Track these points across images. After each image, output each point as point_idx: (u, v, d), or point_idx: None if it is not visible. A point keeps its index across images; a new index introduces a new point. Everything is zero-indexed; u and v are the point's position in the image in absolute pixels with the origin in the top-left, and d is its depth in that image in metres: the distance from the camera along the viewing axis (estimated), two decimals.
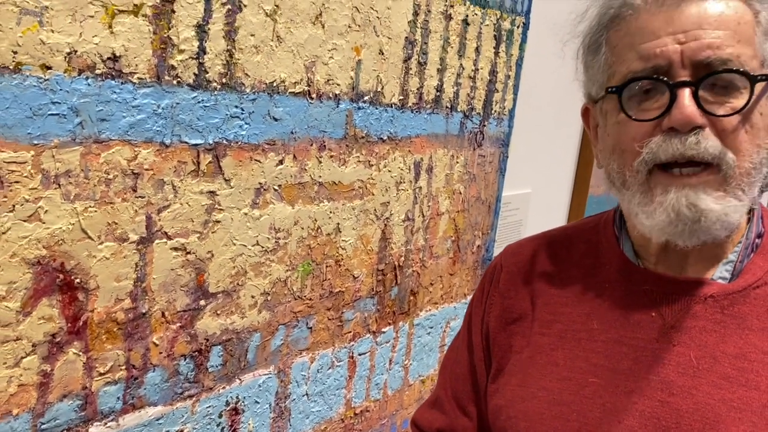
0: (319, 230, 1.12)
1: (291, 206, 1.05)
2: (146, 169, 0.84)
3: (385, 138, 1.20)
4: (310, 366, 1.17)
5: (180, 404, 0.96)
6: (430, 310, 1.46)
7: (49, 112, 0.74)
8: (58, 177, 0.76)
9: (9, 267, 0.73)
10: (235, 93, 0.92)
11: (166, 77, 0.84)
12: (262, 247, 1.02)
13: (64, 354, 0.81)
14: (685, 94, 0.66)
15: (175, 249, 0.90)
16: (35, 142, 0.73)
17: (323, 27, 1.03)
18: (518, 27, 1.51)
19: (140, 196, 0.84)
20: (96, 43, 0.76)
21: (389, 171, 1.23)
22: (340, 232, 1.16)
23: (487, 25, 1.40)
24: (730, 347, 0.69)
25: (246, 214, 0.99)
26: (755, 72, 0.66)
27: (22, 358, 0.77)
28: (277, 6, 0.95)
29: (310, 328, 1.15)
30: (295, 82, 1.01)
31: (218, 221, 0.95)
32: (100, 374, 0.85)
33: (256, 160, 0.98)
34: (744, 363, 0.69)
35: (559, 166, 2.01)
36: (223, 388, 1.02)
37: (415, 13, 1.20)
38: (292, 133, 1.02)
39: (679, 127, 0.66)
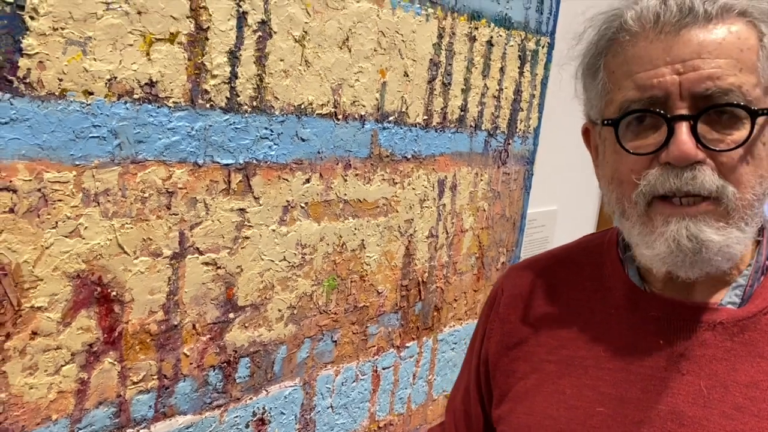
0: (344, 246, 1.15)
1: (317, 223, 1.09)
2: (180, 188, 0.89)
3: (409, 156, 1.23)
4: (334, 379, 1.20)
5: (209, 414, 0.99)
6: (454, 326, 1.48)
7: (91, 135, 0.79)
8: (98, 195, 0.81)
9: (51, 280, 0.78)
10: (265, 115, 0.97)
11: (200, 101, 0.88)
12: (289, 262, 1.06)
13: (101, 363, 0.85)
14: (683, 128, 0.64)
15: (206, 264, 0.94)
16: (77, 162, 0.78)
17: (350, 51, 1.06)
18: (543, 47, 1.53)
19: (174, 214, 0.89)
20: (134, 70, 0.81)
21: (413, 189, 1.26)
22: (365, 248, 1.19)
23: (512, 45, 1.43)
24: (741, 376, 0.68)
25: (274, 230, 1.02)
26: (758, 102, 0.64)
27: (62, 366, 0.81)
28: (305, 32, 0.99)
29: (335, 341, 1.18)
30: (322, 104, 1.05)
31: (247, 237, 0.99)
32: (134, 383, 0.89)
33: (284, 178, 1.02)
34: (756, 392, 0.67)
35: (585, 183, 2.02)
36: (251, 398, 1.05)
37: (440, 36, 1.23)
38: (318, 152, 1.06)
39: (676, 164, 0.64)
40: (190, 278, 0.93)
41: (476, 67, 1.34)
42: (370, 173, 1.16)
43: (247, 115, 0.94)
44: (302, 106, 1.02)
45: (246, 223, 0.98)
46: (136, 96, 0.82)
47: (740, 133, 0.64)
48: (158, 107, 0.84)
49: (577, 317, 0.78)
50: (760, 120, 0.64)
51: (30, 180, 0.74)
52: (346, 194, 1.12)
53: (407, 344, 1.35)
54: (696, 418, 0.68)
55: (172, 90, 0.85)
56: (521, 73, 1.48)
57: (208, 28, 0.87)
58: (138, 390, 0.90)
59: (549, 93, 1.61)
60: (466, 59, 1.31)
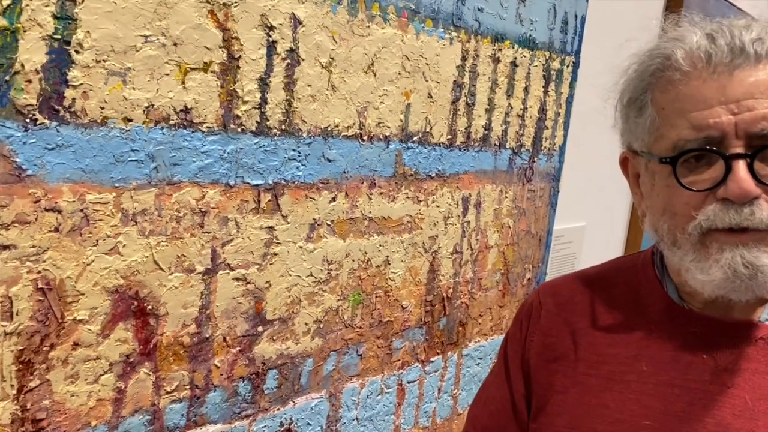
0: (369, 262, 1.19)
1: (343, 240, 1.13)
2: (212, 208, 0.94)
3: (433, 175, 1.27)
4: (360, 391, 1.23)
5: (238, 423, 1.04)
6: (479, 341, 1.50)
7: (129, 159, 0.84)
8: (135, 215, 0.86)
9: (92, 294, 0.84)
10: (293, 138, 1.01)
11: (232, 125, 0.93)
12: (316, 277, 1.10)
13: (136, 373, 0.90)
14: (741, 166, 0.67)
15: (237, 279, 0.99)
16: (116, 185, 0.84)
17: (375, 75, 1.11)
18: (568, 66, 1.56)
19: (206, 232, 0.94)
20: (170, 98, 0.86)
21: (437, 206, 1.30)
22: (389, 264, 1.23)
23: (536, 65, 1.45)
24: None
25: (301, 247, 1.07)
26: None
27: (101, 375, 0.86)
28: (332, 58, 1.03)
29: (360, 355, 1.22)
30: (348, 126, 1.09)
31: (276, 254, 1.03)
32: (167, 392, 0.94)
33: (311, 197, 1.06)
34: None
35: (614, 199, 2.02)
36: (278, 409, 1.09)
37: (464, 58, 1.26)
38: (344, 172, 1.10)
39: (734, 200, 0.67)
40: (222, 293, 0.97)
41: (500, 88, 1.37)
42: (395, 191, 1.20)
43: (276, 138, 0.99)
44: (329, 129, 1.06)
45: (275, 240, 1.03)
46: (172, 122, 0.87)
47: None
48: (192, 132, 0.89)
49: (616, 334, 0.80)
50: None
51: (73, 201, 0.80)
52: (371, 212, 1.16)
53: (432, 359, 1.38)
54: (742, 430, 0.70)
55: (205, 116, 0.90)
56: (546, 92, 1.51)
57: (240, 57, 0.92)
58: (171, 399, 0.94)
59: (575, 110, 1.63)
60: (490, 80, 1.34)
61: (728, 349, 0.73)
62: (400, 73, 1.15)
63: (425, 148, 1.24)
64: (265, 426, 1.08)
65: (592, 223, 1.93)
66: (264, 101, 0.96)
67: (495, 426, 0.90)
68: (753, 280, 0.68)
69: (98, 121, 0.80)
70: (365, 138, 1.12)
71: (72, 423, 0.84)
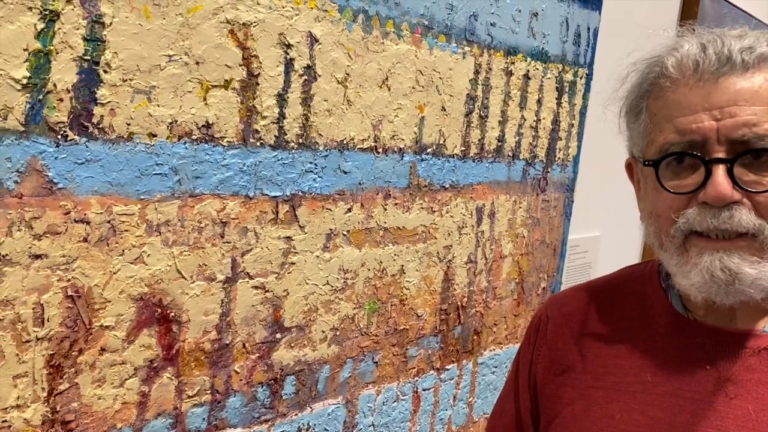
0: (384, 271, 1.22)
1: (358, 249, 1.16)
2: (233, 218, 0.97)
3: (447, 186, 1.30)
4: (376, 398, 1.26)
5: (257, 427, 1.07)
6: (494, 349, 1.52)
7: (154, 172, 0.88)
8: (159, 226, 0.90)
9: (118, 302, 0.87)
10: (310, 151, 1.05)
11: (251, 140, 0.97)
12: (332, 286, 1.13)
13: (160, 378, 0.93)
14: (720, 171, 0.68)
15: (256, 287, 1.02)
16: (141, 197, 0.88)
17: (389, 89, 1.14)
18: (581, 78, 1.58)
19: (227, 242, 0.97)
20: (193, 114, 0.90)
21: (451, 216, 1.32)
22: (404, 273, 1.25)
23: (549, 78, 1.48)
24: None
25: (318, 256, 1.10)
26: None
27: (126, 379, 0.90)
28: (347, 74, 1.07)
29: (376, 362, 1.25)
30: (363, 139, 1.12)
31: (293, 263, 1.07)
32: (189, 397, 0.97)
33: (327, 208, 1.10)
34: None
35: (629, 209, 2.02)
36: (296, 414, 1.12)
37: (476, 72, 1.29)
38: (359, 184, 1.14)
39: (712, 203, 0.68)
40: (241, 301, 1.01)
41: (513, 100, 1.40)
42: (409, 202, 1.23)
43: (293, 151, 1.03)
44: (344, 142, 1.09)
45: (292, 249, 1.06)
46: (194, 137, 0.91)
47: None
48: (214, 146, 0.93)
49: (622, 345, 0.81)
50: None
51: (101, 213, 0.84)
52: (386, 222, 1.19)
53: (447, 367, 1.40)
54: None
55: (226, 131, 0.94)
56: (559, 104, 1.53)
57: (259, 74, 0.96)
58: (193, 403, 0.98)
59: (589, 121, 1.65)
60: (503, 92, 1.37)
61: (732, 359, 0.74)
62: (414, 87, 1.18)
63: (439, 159, 1.27)
64: (283, 430, 1.11)
65: (608, 232, 1.94)
66: (282, 116, 1.00)
67: None
68: (731, 286, 0.69)
69: (125, 136, 0.84)
70: (380, 150, 1.16)
71: (99, 425, 0.88)
